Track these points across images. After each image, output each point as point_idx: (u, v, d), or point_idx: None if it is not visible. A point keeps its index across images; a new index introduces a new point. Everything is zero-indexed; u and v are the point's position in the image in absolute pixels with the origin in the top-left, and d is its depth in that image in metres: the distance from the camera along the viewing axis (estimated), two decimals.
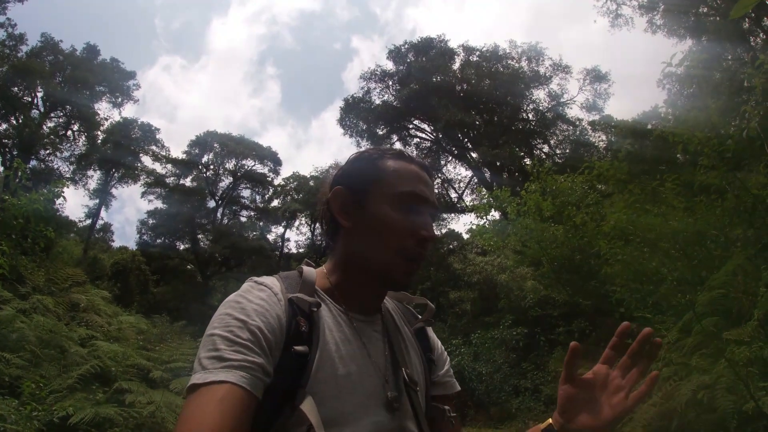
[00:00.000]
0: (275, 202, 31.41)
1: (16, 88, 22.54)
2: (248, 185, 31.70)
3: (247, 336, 0.76)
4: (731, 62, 13.34)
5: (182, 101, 56.23)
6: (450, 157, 25.86)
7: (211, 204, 30.71)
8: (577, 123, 23.62)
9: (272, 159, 31.53)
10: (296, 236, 31.42)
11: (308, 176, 29.47)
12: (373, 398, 0.86)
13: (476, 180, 24.25)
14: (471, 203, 18.40)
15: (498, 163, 22.50)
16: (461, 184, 25.82)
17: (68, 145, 25.02)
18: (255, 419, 0.72)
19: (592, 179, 8.78)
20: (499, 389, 11.45)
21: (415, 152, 25.35)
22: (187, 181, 30.06)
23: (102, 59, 25.71)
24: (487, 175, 23.31)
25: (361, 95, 25.64)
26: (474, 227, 10.34)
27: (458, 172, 25.99)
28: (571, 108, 24.05)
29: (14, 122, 22.53)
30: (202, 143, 30.19)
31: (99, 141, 26.12)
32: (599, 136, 21.90)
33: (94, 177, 26.82)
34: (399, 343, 0.98)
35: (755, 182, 5.65)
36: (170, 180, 29.40)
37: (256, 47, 58.51)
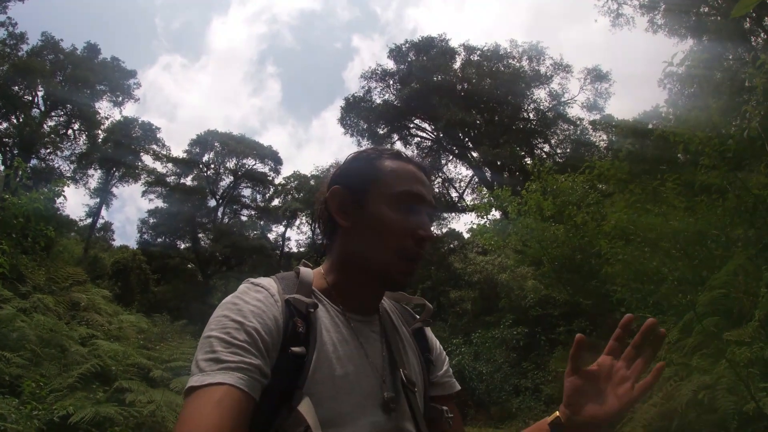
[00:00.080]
0: (276, 201, 31.46)
1: (16, 87, 22.57)
2: (249, 184, 31.73)
3: (243, 337, 0.76)
4: (732, 62, 13.33)
5: (183, 100, 56.25)
6: (451, 157, 25.87)
7: (212, 203, 30.80)
8: (578, 122, 23.62)
9: (273, 158, 31.55)
10: (297, 235, 31.43)
11: (309, 175, 29.53)
12: (370, 399, 0.86)
13: (477, 179, 24.26)
14: (472, 202, 18.40)
15: (499, 163, 22.50)
16: (462, 184, 25.87)
17: (69, 144, 25.08)
18: (252, 421, 0.72)
19: (592, 179, 8.76)
20: (499, 389, 11.47)
21: (415, 151, 25.42)
22: (188, 180, 30.13)
23: (102, 58, 25.74)
24: (488, 174, 23.32)
25: (361, 94, 25.69)
26: (475, 226, 10.35)
27: (459, 171, 26.07)
28: (571, 107, 24.08)
29: (15, 121, 22.55)
30: (202, 142, 30.21)
31: (99, 140, 26.13)
32: (600, 136, 21.93)
33: (95, 176, 26.89)
34: (397, 344, 0.98)
35: (756, 182, 5.64)
36: (171, 179, 29.46)
37: (257, 46, 58.52)
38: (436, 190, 24.59)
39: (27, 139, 21.98)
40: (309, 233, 29.73)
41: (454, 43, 25.11)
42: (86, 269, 12.74)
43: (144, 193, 28.62)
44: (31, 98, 23.37)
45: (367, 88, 25.62)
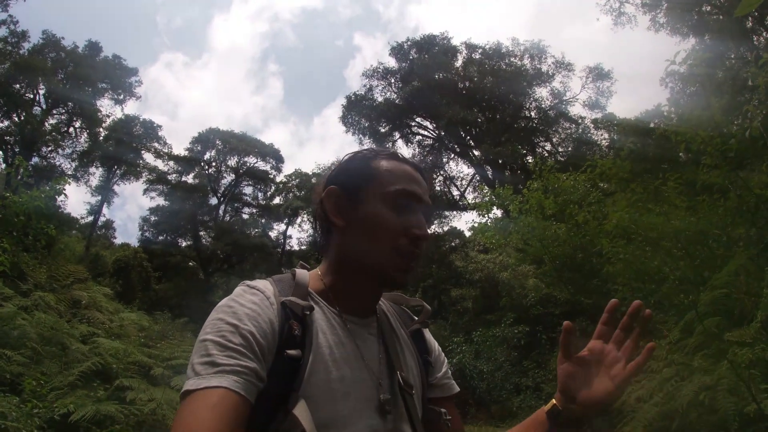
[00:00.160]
0: (277, 200, 31.48)
1: (18, 85, 22.59)
2: (250, 182, 31.77)
3: (239, 341, 0.75)
4: (734, 61, 13.27)
5: (184, 98, 56.32)
6: (452, 155, 25.86)
7: (213, 201, 30.84)
8: (580, 121, 23.60)
9: (274, 156, 31.55)
10: (298, 233, 31.44)
11: (310, 173, 29.49)
12: (366, 402, 0.85)
13: (478, 178, 24.24)
14: (473, 201, 18.34)
15: (500, 161, 22.48)
16: (463, 182, 25.87)
17: (70, 142, 25.10)
18: (248, 424, 0.72)
19: (594, 177, 8.74)
20: (500, 387, 11.47)
21: (417, 150, 25.45)
22: (189, 178, 30.17)
23: (104, 56, 25.74)
24: (489, 172, 23.30)
25: (363, 93, 25.66)
26: (476, 225, 10.30)
27: (460, 169, 26.05)
28: (573, 106, 24.06)
29: (16, 119, 22.59)
30: (204, 140, 30.23)
31: (101, 138, 26.14)
32: (602, 135, 21.84)
33: (96, 174, 26.87)
34: (394, 346, 0.97)
35: (758, 181, 5.62)
36: (172, 177, 29.47)
37: (259, 44, 58.52)
38: (438, 188, 24.59)
39: (28, 137, 22.02)
40: (310, 231, 29.77)
41: (455, 42, 25.15)
42: (87, 267, 12.74)
43: (145, 191, 28.71)
44: (32, 96, 23.41)
45: (368, 86, 25.65)
